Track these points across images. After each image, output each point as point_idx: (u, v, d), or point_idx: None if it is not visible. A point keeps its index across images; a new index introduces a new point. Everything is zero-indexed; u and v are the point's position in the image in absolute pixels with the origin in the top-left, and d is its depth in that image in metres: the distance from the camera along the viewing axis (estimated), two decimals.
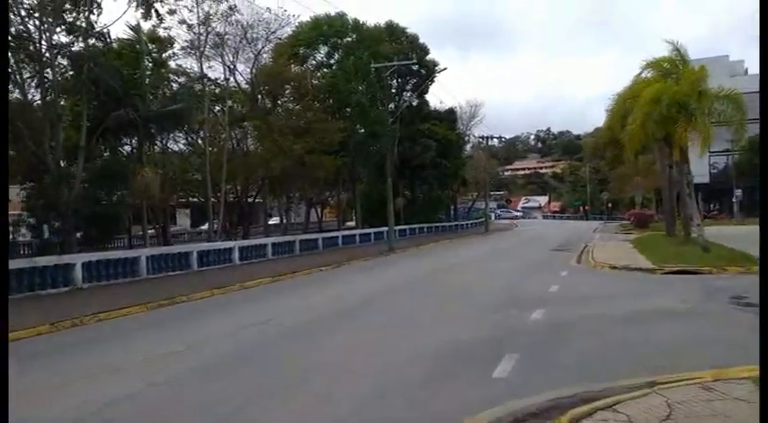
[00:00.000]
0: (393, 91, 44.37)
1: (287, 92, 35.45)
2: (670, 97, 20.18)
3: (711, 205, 65.08)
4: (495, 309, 11.26)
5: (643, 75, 24.10)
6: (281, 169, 31.13)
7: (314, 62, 40.90)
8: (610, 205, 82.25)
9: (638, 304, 11.36)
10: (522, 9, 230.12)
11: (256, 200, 38.80)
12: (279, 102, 35.72)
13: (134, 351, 8.64)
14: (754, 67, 63.90)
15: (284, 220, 42.42)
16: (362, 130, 39.65)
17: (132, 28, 24.06)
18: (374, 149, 39.84)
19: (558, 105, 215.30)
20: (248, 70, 32.23)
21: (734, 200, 57.98)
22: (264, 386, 6.60)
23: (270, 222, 45.75)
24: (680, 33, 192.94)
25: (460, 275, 18.33)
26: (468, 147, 62.69)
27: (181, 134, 31.12)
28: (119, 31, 24.85)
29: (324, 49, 41.05)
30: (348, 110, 38.53)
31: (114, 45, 23.95)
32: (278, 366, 7.45)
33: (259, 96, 34.04)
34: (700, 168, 38.98)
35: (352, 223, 49.02)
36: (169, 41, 27.73)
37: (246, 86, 33.38)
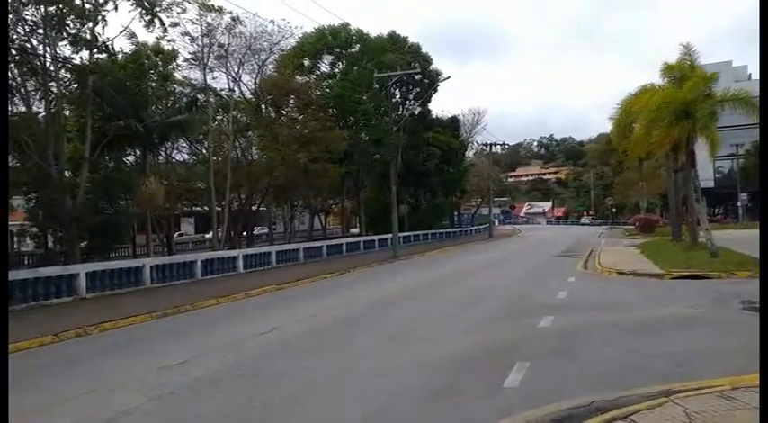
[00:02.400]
0: (396, 100, 44.43)
1: (291, 102, 35.56)
2: (677, 103, 20.10)
3: (716, 209, 64.87)
4: (504, 316, 11.12)
5: (655, 81, 24.09)
6: (284, 178, 31.13)
7: (318, 73, 41.03)
8: (614, 210, 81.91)
9: (649, 310, 11.21)
10: (518, 17, 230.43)
11: (260, 208, 38.82)
12: (283, 111, 35.82)
13: (137, 363, 8.52)
14: (757, 72, 63.84)
15: (287, 229, 42.37)
16: (366, 139, 39.69)
17: (132, 36, 24.08)
18: (378, 157, 39.85)
19: (560, 112, 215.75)
20: (252, 81, 32.38)
21: (739, 204, 57.77)
22: (266, 402, 6.40)
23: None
24: (677, 39, 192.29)
25: (467, 282, 18.16)
26: (471, 154, 62.71)
27: (185, 144, 31.24)
28: (123, 44, 24.93)
29: (328, 60, 41.19)
30: (352, 119, 38.58)
31: (119, 57, 24.03)
32: (281, 380, 7.21)
33: (263, 106, 34.13)
34: (705, 173, 38.73)
35: (356, 230, 48.97)
36: (173, 54, 27.87)
37: (251, 97, 33.47)
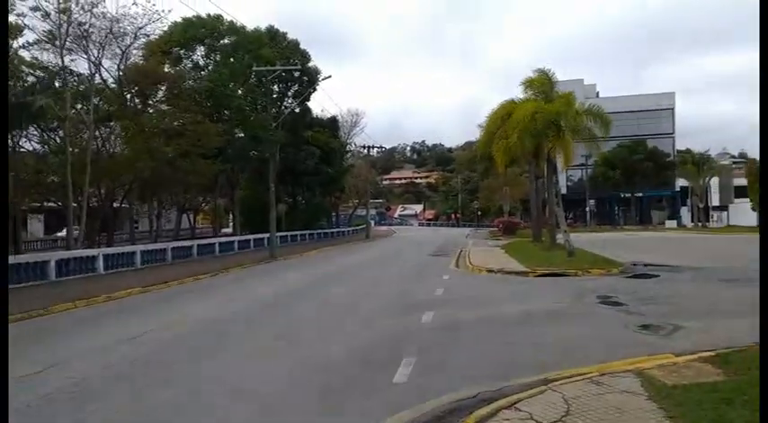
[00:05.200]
0: (275, 96, 43.48)
1: (159, 93, 33.35)
2: (544, 115, 21.78)
3: (568, 214, 71.28)
4: (386, 314, 11.25)
5: (518, 95, 26.02)
6: (150, 172, 29.16)
7: (189, 63, 38.96)
8: (480, 213, 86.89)
9: (519, 305, 11.93)
10: (380, 23, 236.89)
11: (122, 205, 36.04)
12: (150, 102, 33.48)
13: None
14: (603, 91, 71.35)
15: (153, 227, 39.81)
16: (243, 135, 38.41)
17: None
18: (255, 154, 38.73)
19: (430, 118, 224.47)
20: (116, 67, 29.90)
21: (587, 209, 64.01)
22: (139, 412, 5.91)
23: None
24: (531, 54, 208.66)
25: (348, 281, 18.19)
26: (349, 155, 63.24)
27: (35, 132, 28.08)
28: None
29: (201, 51, 39.27)
30: (227, 113, 37.12)
31: None
32: (152, 391, 6.61)
33: (128, 95, 31.70)
34: (559, 180, 42.32)
35: (229, 229, 47.29)
36: (18, 29, 24.85)
37: (114, 84, 30.92)
